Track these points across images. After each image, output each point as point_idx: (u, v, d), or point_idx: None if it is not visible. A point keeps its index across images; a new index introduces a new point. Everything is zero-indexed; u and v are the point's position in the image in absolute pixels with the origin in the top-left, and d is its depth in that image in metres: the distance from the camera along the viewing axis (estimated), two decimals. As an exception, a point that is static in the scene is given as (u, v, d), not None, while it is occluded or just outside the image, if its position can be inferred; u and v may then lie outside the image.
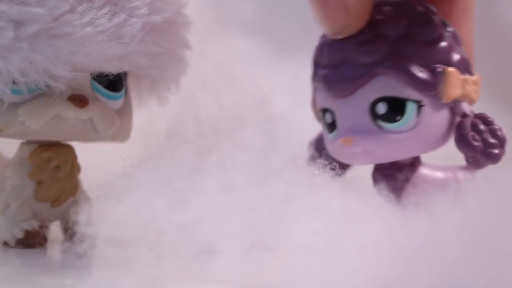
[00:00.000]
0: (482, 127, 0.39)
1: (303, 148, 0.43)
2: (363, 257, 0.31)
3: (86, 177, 0.43)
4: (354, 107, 0.39)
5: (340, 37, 0.40)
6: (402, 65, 0.39)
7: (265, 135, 0.43)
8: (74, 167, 0.42)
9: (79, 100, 0.39)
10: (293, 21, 0.73)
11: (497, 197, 0.34)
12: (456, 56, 0.40)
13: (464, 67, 0.40)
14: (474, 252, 0.30)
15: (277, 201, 0.35)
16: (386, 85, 0.39)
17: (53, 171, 0.41)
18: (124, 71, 0.41)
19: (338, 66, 0.40)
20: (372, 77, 0.39)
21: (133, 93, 0.44)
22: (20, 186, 0.41)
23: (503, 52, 0.43)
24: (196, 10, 0.45)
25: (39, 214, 0.41)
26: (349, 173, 0.43)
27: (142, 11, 0.40)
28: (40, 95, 0.39)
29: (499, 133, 0.40)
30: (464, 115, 0.40)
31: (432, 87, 0.39)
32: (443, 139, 0.40)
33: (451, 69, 0.39)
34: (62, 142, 0.42)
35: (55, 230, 0.43)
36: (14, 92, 0.38)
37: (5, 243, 0.41)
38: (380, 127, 0.39)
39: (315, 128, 0.44)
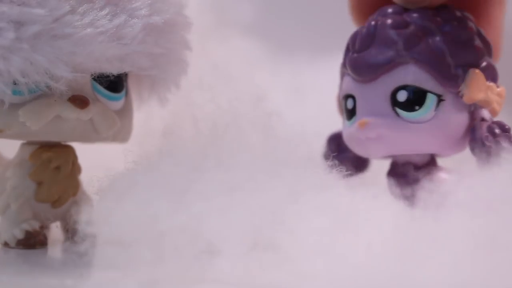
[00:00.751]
0: (497, 131, 0.39)
1: (303, 147, 0.43)
2: (369, 257, 0.31)
3: (87, 177, 0.43)
4: (376, 93, 0.40)
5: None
6: (430, 58, 0.39)
7: (265, 135, 0.43)
8: (74, 168, 0.42)
9: (79, 101, 0.39)
10: (292, 22, 0.73)
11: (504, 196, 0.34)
12: (484, 63, 0.40)
13: (491, 75, 0.40)
14: (483, 251, 0.30)
15: (279, 201, 0.35)
16: (411, 74, 0.40)
17: (53, 171, 0.41)
18: (124, 72, 0.41)
19: (367, 51, 0.40)
20: (399, 65, 0.40)
21: (133, 94, 0.44)
22: (21, 187, 0.41)
23: (503, 52, 0.43)
24: (196, 11, 0.46)
25: (40, 214, 0.41)
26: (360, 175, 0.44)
27: (143, 12, 0.40)
28: (40, 96, 0.39)
29: None
30: (483, 120, 0.40)
31: (455, 83, 0.39)
32: (459, 142, 0.40)
33: (477, 70, 0.39)
34: (63, 143, 0.42)
35: (55, 230, 0.43)
36: (14, 93, 0.38)
37: (6, 244, 0.41)
38: (397, 114, 0.40)
39: (315, 128, 0.44)
